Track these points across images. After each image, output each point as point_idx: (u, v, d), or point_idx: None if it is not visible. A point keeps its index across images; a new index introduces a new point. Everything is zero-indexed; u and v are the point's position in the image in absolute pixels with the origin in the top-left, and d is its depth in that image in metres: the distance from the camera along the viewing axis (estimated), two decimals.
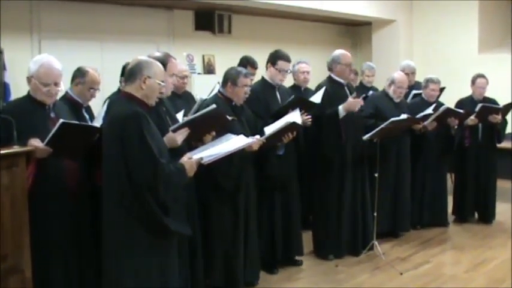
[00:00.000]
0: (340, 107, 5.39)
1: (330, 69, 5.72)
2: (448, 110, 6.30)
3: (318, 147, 5.56)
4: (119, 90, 4.85)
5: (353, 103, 5.39)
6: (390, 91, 6.20)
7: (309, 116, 5.23)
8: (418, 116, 6.17)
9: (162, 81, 3.53)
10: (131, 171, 3.23)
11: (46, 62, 3.83)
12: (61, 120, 3.63)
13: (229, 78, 4.71)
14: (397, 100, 6.20)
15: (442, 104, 6.40)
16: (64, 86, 4.05)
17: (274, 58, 5.34)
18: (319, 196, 5.71)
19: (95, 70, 4.65)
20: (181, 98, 5.47)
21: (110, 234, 3.40)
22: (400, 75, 6.27)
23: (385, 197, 6.08)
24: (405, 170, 6.36)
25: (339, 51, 5.72)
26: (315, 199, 5.76)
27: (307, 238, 5.79)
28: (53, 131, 3.62)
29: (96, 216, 3.78)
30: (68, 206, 3.89)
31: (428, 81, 6.66)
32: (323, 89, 5.43)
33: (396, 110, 6.07)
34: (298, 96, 5.45)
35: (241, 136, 4.24)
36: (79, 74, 4.57)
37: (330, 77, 5.71)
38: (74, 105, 4.48)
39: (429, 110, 6.25)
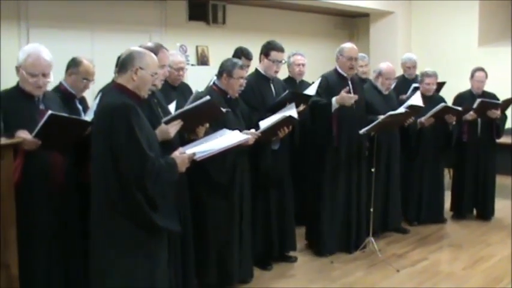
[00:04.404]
0: (334, 99, 5.31)
1: (336, 60, 5.62)
2: (446, 107, 6.19)
3: (312, 137, 5.51)
4: (113, 82, 4.73)
5: (345, 97, 5.28)
6: (378, 83, 6.08)
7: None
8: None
9: (155, 73, 3.44)
10: (119, 164, 3.15)
11: (34, 52, 3.76)
12: (49, 112, 3.58)
13: (225, 69, 4.63)
14: (385, 92, 6.09)
15: (440, 98, 6.28)
16: (54, 77, 3.95)
17: (267, 49, 5.26)
18: (312, 191, 5.63)
19: (90, 61, 4.55)
20: (177, 90, 5.34)
21: (97, 229, 3.31)
22: (387, 66, 6.10)
23: (378, 193, 5.97)
24: (395, 165, 6.23)
25: (346, 44, 5.65)
26: (309, 194, 5.70)
27: (301, 234, 5.75)
28: (41, 122, 3.56)
29: (85, 211, 3.66)
30: (54, 200, 3.84)
31: (424, 75, 6.50)
32: (318, 80, 5.37)
33: (385, 102, 5.98)
34: (292, 91, 5.35)
35: (237, 132, 4.17)
36: (72, 64, 4.47)
37: (335, 69, 5.64)
38: (67, 96, 4.39)
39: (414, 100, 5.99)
